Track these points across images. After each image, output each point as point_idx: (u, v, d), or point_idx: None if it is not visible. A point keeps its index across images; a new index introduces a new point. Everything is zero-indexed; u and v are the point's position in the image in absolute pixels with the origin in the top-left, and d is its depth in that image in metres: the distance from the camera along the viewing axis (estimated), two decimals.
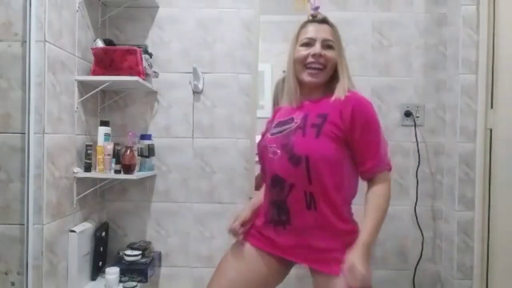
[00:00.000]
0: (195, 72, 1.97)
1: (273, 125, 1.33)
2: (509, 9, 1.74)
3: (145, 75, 1.81)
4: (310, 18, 1.29)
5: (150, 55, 1.94)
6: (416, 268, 1.98)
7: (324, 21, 1.28)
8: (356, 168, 1.25)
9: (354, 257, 1.12)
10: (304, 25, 1.29)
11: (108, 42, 1.84)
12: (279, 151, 1.23)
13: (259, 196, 1.41)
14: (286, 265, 1.34)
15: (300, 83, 1.30)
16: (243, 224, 1.34)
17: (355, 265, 1.10)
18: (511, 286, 1.67)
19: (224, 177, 2.02)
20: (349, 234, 1.22)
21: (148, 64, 1.89)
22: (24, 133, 1.43)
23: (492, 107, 1.80)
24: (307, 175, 1.18)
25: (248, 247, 1.34)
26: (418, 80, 2.02)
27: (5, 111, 1.44)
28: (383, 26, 2.02)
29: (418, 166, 1.98)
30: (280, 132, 1.27)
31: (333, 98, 1.23)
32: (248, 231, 1.36)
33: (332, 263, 1.18)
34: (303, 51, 1.25)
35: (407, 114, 1.99)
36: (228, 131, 2.02)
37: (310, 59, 1.24)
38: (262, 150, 1.32)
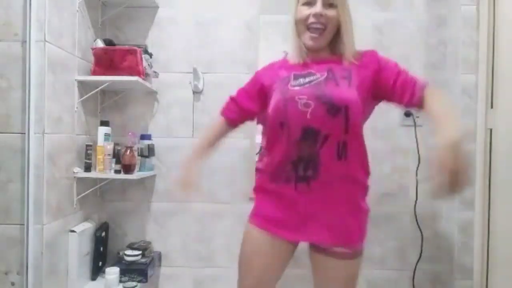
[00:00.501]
0: (195, 72, 1.97)
1: (290, 77, 1.25)
2: (509, 9, 1.74)
3: (145, 75, 1.81)
4: None
5: (150, 55, 1.94)
6: (416, 268, 1.98)
7: None
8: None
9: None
10: None
11: (108, 42, 1.84)
12: (312, 103, 1.17)
13: (205, 137, 1.42)
14: (296, 244, 1.32)
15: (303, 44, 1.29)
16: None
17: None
18: (511, 286, 1.67)
19: (224, 177, 2.02)
20: (366, 192, 1.29)
21: (148, 64, 1.89)
22: (24, 133, 1.43)
23: (492, 107, 1.80)
24: (344, 124, 1.16)
25: (263, 235, 1.27)
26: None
27: (5, 111, 1.45)
28: (383, 26, 2.02)
29: (418, 166, 1.98)
30: (305, 84, 1.21)
31: (346, 60, 1.24)
32: (258, 214, 1.30)
33: (352, 236, 1.22)
34: (305, 11, 1.23)
35: (407, 114, 1.99)
36: None
37: (311, 19, 1.22)
38: (286, 103, 1.19)
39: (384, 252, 2.02)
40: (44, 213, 1.47)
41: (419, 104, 1.19)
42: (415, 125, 1.98)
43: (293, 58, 1.29)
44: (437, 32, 2.00)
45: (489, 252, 1.80)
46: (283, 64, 1.33)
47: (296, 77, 1.25)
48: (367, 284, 2.01)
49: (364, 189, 1.29)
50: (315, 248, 1.27)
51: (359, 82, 1.21)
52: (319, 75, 1.23)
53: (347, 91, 1.18)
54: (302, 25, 1.24)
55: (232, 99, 1.44)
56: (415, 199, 1.98)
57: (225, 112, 1.44)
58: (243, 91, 1.43)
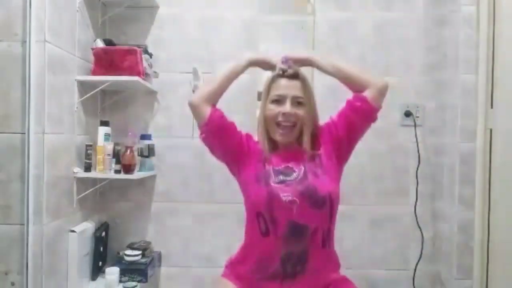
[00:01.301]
0: (195, 72, 1.97)
1: (272, 174, 1.25)
2: (509, 9, 1.73)
3: (145, 75, 1.81)
4: (280, 72, 1.27)
5: (150, 55, 1.94)
6: (416, 268, 1.98)
7: (295, 76, 1.26)
8: None
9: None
10: (274, 79, 1.27)
11: (108, 42, 1.84)
12: (297, 200, 1.18)
13: None
14: None
15: (272, 139, 1.30)
16: None
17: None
18: (511, 286, 1.67)
19: (224, 177, 2.01)
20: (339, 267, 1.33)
21: (148, 64, 1.89)
22: (24, 133, 1.43)
23: (492, 107, 1.80)
24: (329, 214, 1.21)
25: None
26: (418, 80, 2.02)
27: (5, 111, 1.44)
28: (383, 26, 2.02)
29: (418, 166, 1.98)
30: (287, 180, 1.23)
31: (308, 150, 1.27)
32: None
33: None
34: (274, 109, 1.24)
35: (407, 114, 1.99)
36: None
37: (280, 118, 1.24)
38: (271, 199, 1.19)
39: (384, 252, 2.02)
40: (44, 213, 1.46)
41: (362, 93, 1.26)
42: (415, 125, 1.98)
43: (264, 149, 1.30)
44: (437, 32, 2.00)
45: (489, 252, 1.80)
46: (258, 147, 1.32)
47: (278, 173, 1.25)
48: (367, 284, 2.01)
49: (338, 267, 1.33)
50: None
51: (330, 161, 1.27)
52: (297, 171, 1.24)
53: (327, 181, 1.22)
54: (271, 122, 1.26)
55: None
56: (415, 199, 1.98)
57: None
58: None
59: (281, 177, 1.23)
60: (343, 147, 1.30)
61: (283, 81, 1.26)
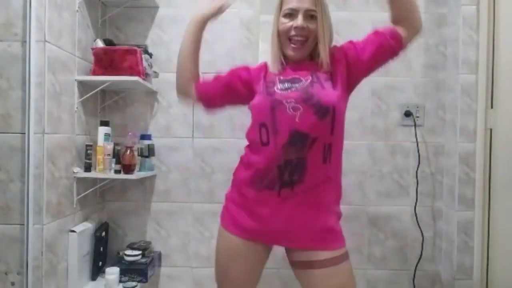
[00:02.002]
0: None
1: (276, 81, 1.25)
2: (509, 9, 1.74)
3: (145, 75, 1.81)
4: None
5: (150, 55, 1.94)
6: (416, 268, 1.98)
7: None
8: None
9: None
10: None
11: (108, 42, 1.84)
12: (300, 106, 1.17)
13: None
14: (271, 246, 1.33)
15: (284, 53, 1.30)
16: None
17: None
18: (511, 286, 1.68)
19: (224, 177, 2.02)
20: (341, 195, 1.31)
21: (148, 64, 1.89)
22: (24, 133, 1.43)
23: (492, 107, 1.80)
24: (331, 126, 1.19)
25: (238, 241, 1.26)
26: (418, 80, 2.02)
27: (5, 111, 1.44)
28: (383, 26, 2.01)
29: (418, 166, 1.98)
30: (292, 88, 1.22)
31: (325, 65, 1.26)
32: (233, 222, 1.29)
33: (334, 237, 1.23)
34: (287, 23, 1.24)
35: (407, 114, 1.99)
36: (228, 131, 2.02)
37: (293, 32, 1.23)
38: (274, 106, 1.19)
39: (384, 252, 2.02)
40: (44, 213, 1.46)
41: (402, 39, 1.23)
42: (415, 125, 1.98)
43: (272, 67, 1.30)
44: (437, 32, 2.00)
45: (489, 252, 1.80)
46: (265, 68, 1.34)
47: (281, 81, 1.25)
48: (367, 284, 2.01)
49: (340, 192, 1.30)
50: (298, 264, 1.26)
51: (340, 81, 1.24)
52: (304, 79, 1.24)
53: (333, 93, 1.21)
54: (284, 36, 1.26)
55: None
56: (415, 199, 1.98)
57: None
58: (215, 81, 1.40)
59: (287, 85, 1.23)
60: (357, 73, 1.27)
61: None
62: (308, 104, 1.17)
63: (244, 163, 1.31)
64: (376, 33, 1.26)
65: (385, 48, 1.23)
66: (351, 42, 1.31)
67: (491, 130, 1.80)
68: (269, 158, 1.20)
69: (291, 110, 1.17)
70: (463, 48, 1.85)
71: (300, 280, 1.27)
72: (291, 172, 1.19)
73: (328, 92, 1.20)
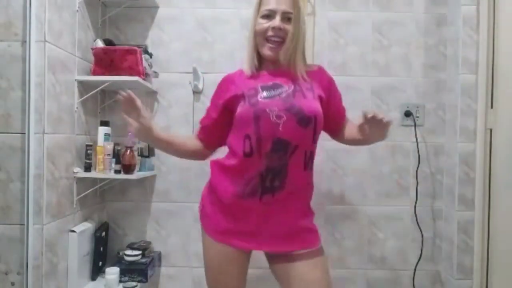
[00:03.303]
0: (195, 72, 1.97)
1: (258, 89, 1.26)
2: (509, 9, 1.74)
3: (145, 75, 1.81)
4: None
5: (150, 55, 1.94)
6: (416, 268, 1.98)
7: None
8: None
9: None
10: None
11: (108, 42, 1.84)
12: (284, 115, 1.20)
13: (171, 138, 1.39)
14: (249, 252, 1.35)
15: (259, 54, 1.32)
16: (138, 114, 1.22)
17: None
18: (511, 286, 1.68)
19: None
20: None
21: (148, 64, 1.89)
22: (24, 133, 1.43)
23: (492, 107, 1.80)
24: (313, 135, 1.23)
25: (224, 250, 1.28)
26: (418, 80, 2.02)
27: (5, 111, 1.45)
28: (383, 26, 2.02)
29: (418, 166, 1.98)
30: (275, 95, 1.24)
31: (299, 73, 1.29)
32: (216, 228, 1.30)
33: (313, 238, 1.29)
34: (264, 24, 1.26)
35: (407, 114, 1.99)
36: None
37: (270, 32, 1.25)
38: (258, 115, 1.21)
39: (384, 252, 2.02)
40: (44, 213, 1.47)
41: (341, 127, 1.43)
42: (415, 125, 1.98)
43: (246, 68, 1.32)
44: (437, 32, 2.01)
45: (489, 252, 1.80)
46: (242, 75, 1.34)
47: (264, 89, 1.26)
48: (367, 284, 2.01)
49: (312, 193, 1.36)
50: (276, 259, 1.29)
51: (318, 94, 1.29)
52: (287, 87, 1.26)
53: (314, 103, 1.24)
54: (261, 37, 1.27)
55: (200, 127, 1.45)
56: (415, 199, 1.98)
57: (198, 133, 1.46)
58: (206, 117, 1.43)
59: (269, 93, 1.25)
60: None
61: None
62: (291, 112, 1.20)
63: (224, 170, 1.32)
64: (343, 111, 1.43)
65: (332, 125, 1.39)
66: (333, 82, 1.40)
67: (491, 130, 1.80)
68: (252, 167, 1.23)
69: (274, 118, 1.20)
70: (463, 48, 1.85)
71: (280, 274, 1.31)
72: (272, 178, 1.22)
73: (310, 102, 1.24)
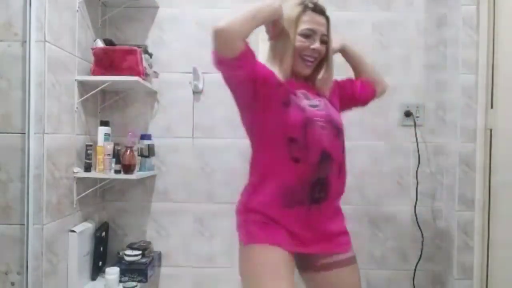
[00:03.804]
0: (195, 72, 1.97)
1: (298, 95, 1.27)
2: (509, 9, 1.74)
3: (145, 75, 1.81)
4: (311, 5, 1.27)
5: (150, 55, 1.94)
6: (416, 268, 1.98)
7: (323, 12, 1.30)
8: None
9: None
10: (304, 11, 1.26)
11: (108, 42, 1.84)
12: (326, 126, 1.24)
13: None
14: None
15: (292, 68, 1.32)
16: None
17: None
18: (511, 286, 1.67)
19: (224, 177, 2.02)
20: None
21: (148, 64, 1.89)
22: (24, 133, 1.43)
23: (492, 107, 1.80)
24: (342, 145, 1.30)
25: (281, 253, 1.23)
26: (418, 80, 2.02)
27: (5, 111, 1.45)
28: (383, 26, 2.02)
29: (418, 166, 1.98)
30: (315, 105, 1.28)
31: (327, 92, 1.37)
32: (275, 232, 1.25)
33: (349, 239, 1.36)
34: (305, 43, 1.26)
35: (407, 114, 1.99)
36: (228, 131, 2.02)
37: (308, 52, 1.27)
38: (307, 123, 1.21)
39: (384, 252, 2.02)
40: (44, 213, 1.47)
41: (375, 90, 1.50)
42: (415, 125, 1.98)
43: (277, 73, 1.28)
44: (437, 32, 2.00)
45: (489, 252, 1.80)
46: (276, 76, 1.29)
47: (306, 98, 1.28)
48: (367, 284, 2.01)
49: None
50: (320, 267, 1.30)
51: (336, 108, 1.37)
52: (317, 99, 1.31)
53: (339, 116, 1.34)
54: (297, 53, 1.28)
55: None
56: (415, 199, 1.98)
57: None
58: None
59: (311, 102, 1.28)
60: (344, 106, 1.46)
61: (315, 16, 1.27)
62: (331, 124, 1.26)
63: (267, 179, 1.26)
64: (352, 83, 1.48)
65: (354, 100, 1.47)
66: (343, 80, 1.48)
67: (491, 130, 1.80)
68: (302, 175, 1.21)
69: (320, 129, 1.22)
70: (463, 48, 1.85)
71: (318, 283, 1.32)
72: (320, 190, 1.24)
73: (337, 113, 1.33)
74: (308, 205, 1.23)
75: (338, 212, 1.36)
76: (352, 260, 1.33)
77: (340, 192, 1.33)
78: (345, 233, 1.36)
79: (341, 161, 1.29)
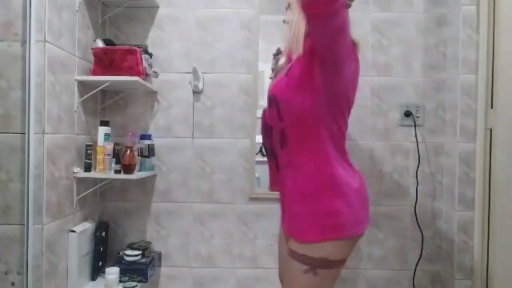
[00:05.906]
0: (195, 72, 1.97)
1: None
2: (509, 9, 1.74)
3: (145, 75, 1.81)
4: None
5: (150, 55, 1.94)
6: (416, 268, 1.98)
7: None
8: (331, 114, 1.22)
9: None
10: None
11: (108, 42, 1.84)
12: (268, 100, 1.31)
13: None
14: None
15: None
16: None
17: None
18: (511, 286, 1.67)
19: (224, 177, 2.02)
20: (328, 183, 1.21)
21: (148, 64, 1.89)
22: (24, 133, 1.43)
23: (492, 107, 1.80)
24: (277, 113, 1.22)
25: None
26: (418, 80, 2.02)
27: (5, 111, 1.45)
28: (383, 26, 2.02)
29: (418, 166, 1.98)
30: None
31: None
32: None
33: (298, 226, 1.22)
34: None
35: (407, 114, 1.99)
36: (228, 131, 2.02)
37: None
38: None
39: (384, 252, 2.02)
40: (44, 213, 1.46)
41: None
42: (415, 125, 1.98)
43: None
44: (437, 32, 2.01)
45: (489, 252, 1.80)
46: None
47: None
48: (367, 284, 2.01)
49: (318, 179, 1.20)
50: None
51: (297, 69, 1.20)
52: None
53: (278, 83, 1.26)
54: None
55: None
56: (415, 199, 1.98)
57: None
58: None
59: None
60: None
61: None
62: (268, 97, 1.30)
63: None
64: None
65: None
66: None
67: (491, 130, 1.80)
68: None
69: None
70: (463, 48, 1.85)
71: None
72: (274, 160, 1.36)
73: (274, 83, 1.30)
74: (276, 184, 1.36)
75: (291, 189, 1.24)
76: (292, 254, 1.23)
77: (287, 163, 1.25)
78: (292, 215, 1.25)
79: (280, 128, 1.24)
